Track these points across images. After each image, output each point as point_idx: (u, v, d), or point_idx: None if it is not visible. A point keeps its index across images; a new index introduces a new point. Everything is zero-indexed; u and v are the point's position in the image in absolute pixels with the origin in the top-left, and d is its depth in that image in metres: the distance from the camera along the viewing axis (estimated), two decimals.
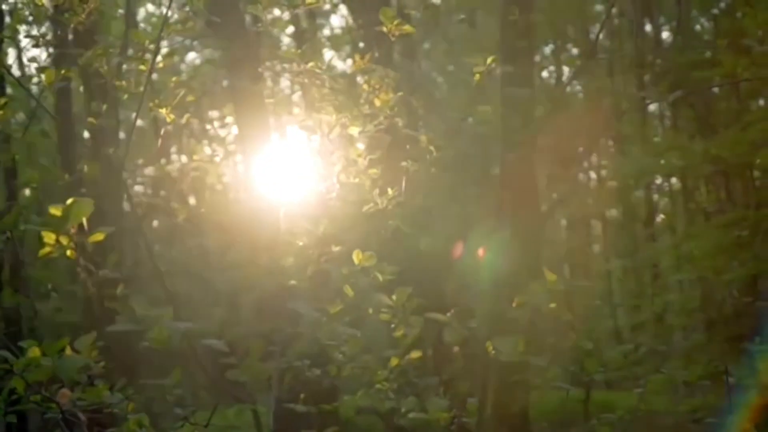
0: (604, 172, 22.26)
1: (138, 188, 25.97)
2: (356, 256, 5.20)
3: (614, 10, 22.43)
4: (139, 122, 24.00)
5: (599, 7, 21.77)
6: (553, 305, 4.24)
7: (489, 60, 5.55)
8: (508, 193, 13.60)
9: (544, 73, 22.61)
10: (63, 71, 6.27)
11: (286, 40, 23.13)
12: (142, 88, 6.45)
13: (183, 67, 23.68)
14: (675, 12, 20.34)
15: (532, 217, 12.89)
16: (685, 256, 13.89)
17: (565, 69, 23.23)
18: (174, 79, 6.69)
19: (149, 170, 23.57)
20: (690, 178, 21.02)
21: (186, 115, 6.13)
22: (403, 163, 5.88)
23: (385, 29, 6.74)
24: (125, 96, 6.37)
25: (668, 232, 20.68)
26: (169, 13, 6.03)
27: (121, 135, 25.22)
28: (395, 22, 6.70)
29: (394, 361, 5.07)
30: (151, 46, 6.38)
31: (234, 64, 8.00)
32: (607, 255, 22.75)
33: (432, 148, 5.75)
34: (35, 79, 14.02)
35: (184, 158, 23.15)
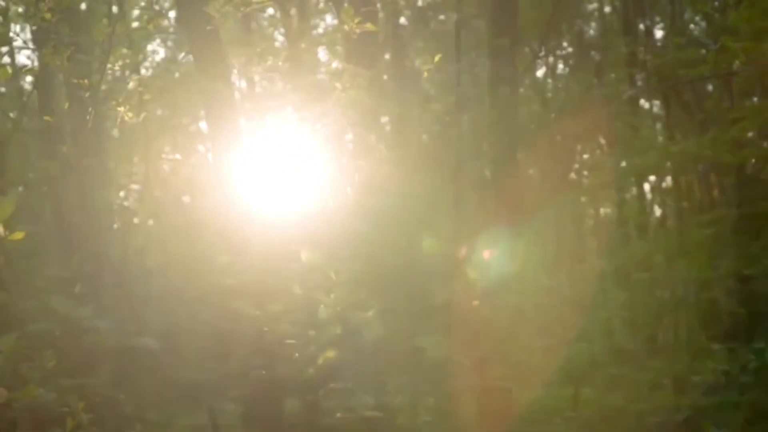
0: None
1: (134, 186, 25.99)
2: (304, 255, 5.19)
3: (607, 8, 22.44)
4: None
5: (592, 6, 21.73)
6: (476, 303, 4.23)
7: (436, 58, 5.55)
8: (494, 189, 13.63)
9: (538, 73, 22.55)
10: (24, 69, 6.29)
11: (281, 39, 23.09)
12: (104, 86, 6.49)
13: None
14: (668, 10, 20.27)
15: (518, 213, 12.91)
16: (669, 253, 13.83)
17: (559, 66, 23.19)
18: (135, 77, 6.69)
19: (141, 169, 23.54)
20: (682, 177, 20.98)
21: (143, 114, 6.14)
22: (358, 162, 5.88)
23: (346, 27, 6.76)
24: (87, 93, 6.39)
25: (661, 230, 20.63)
26: (128, 11, 6.06)
27: (115, 133, 25.24)
28: (356, 20, 6.72)
29: (321, 359, 5.05)
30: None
31: (202, 63, 7.98)
32: (600, 253, 22.73)
33: (382, 147, 5.73)
34: (28, 78, 14.06)
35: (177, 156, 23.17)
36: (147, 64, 24.33)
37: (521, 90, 23.10)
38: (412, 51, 21.31)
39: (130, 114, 6.13)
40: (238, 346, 5.28)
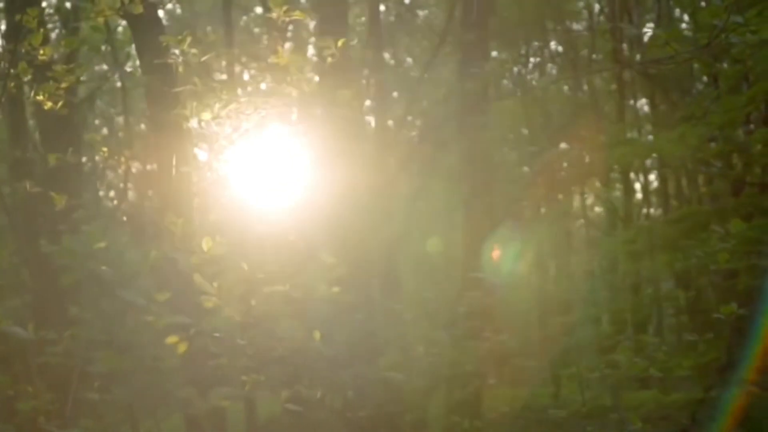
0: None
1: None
2: (206, 244, 5.12)
3: (596, 7, 22.33)
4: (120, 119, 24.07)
5: (579, 4, 21.64)
6: (335, 289, 4.17)
7: (340, 42, 5.51)
8: (465, 183, 13.61)
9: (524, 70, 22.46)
10: None
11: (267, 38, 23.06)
12: (29, 76, 6.45)
13: None
14: (656, 8, 20.18)
15: (485, 204, 12.89)
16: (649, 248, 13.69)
17: (549, 65, 23.11)
18: (63, 67, 6.61)
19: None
20: (670, 175, 20.87)
21: (60, 102, 6.10)
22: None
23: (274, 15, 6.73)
24: (12, 85, 6.36)
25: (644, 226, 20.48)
26: None
27: (105, 131, 25.19)
28: (284, 9, 6.67)
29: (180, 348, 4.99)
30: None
31: (143, 57, 7.94)
32: (588, 250, 22.69)
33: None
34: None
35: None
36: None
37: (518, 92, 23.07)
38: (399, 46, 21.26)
39: (49, 103, 6.10)
40: (132, 337, 5.23)
